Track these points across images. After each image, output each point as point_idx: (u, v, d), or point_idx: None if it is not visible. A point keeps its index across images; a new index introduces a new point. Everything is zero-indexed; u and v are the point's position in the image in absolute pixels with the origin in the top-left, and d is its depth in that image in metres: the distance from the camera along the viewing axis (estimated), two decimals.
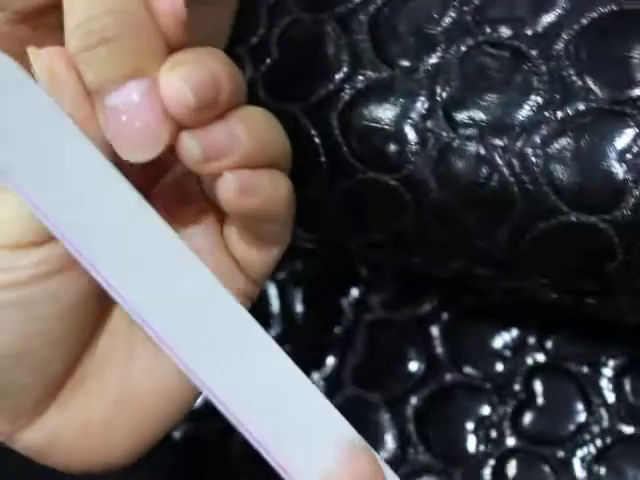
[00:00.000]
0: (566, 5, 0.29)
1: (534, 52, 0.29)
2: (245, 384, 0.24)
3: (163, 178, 0.28)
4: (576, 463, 0.36)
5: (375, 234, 0.33)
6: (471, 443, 0.37)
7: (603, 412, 0.36)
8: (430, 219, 0.31)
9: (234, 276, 0.28)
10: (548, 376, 0.37)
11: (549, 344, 0.38)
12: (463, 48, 0.30)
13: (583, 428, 0.36)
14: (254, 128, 0.25)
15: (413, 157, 0.30)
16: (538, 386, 0.37)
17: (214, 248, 0.28)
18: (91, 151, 0.24)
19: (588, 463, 0.36)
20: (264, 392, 0.24)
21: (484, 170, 0.29)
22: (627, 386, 0.37)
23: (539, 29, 0.29)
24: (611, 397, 0.37)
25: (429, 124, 0.30)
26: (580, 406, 0.37)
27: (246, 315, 0.24)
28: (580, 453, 0.36)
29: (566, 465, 0.36)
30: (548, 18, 0.29)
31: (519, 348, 0.38)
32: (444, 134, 0.29)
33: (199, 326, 0.24)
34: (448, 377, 0.38)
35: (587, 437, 0.36)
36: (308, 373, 0.39)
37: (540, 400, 0.37)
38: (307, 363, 0.39)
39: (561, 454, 0.36)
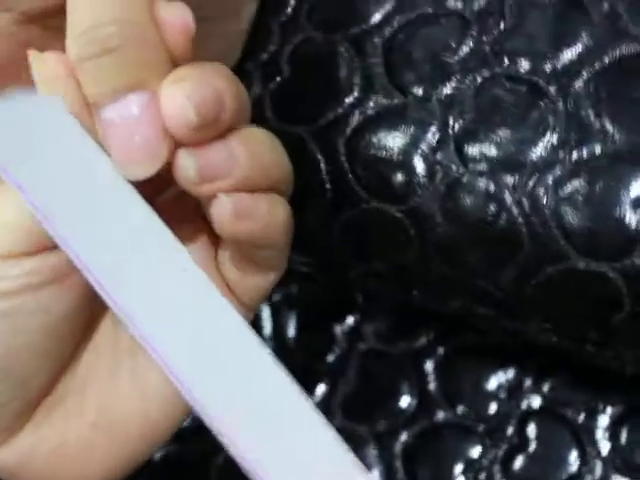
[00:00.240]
0: (588, 42, 0.29)
1: (552, 89, 0.29)
2: (239, 399, 0.23)
3: (160, 194, 0.27)
4: None
5: (376, 265, 0.32)
6: None
7: (597, 463, 0.36)
8: (434, 254, 0.30)
9: None
10: (543, 421, 0.37)
11: (546, 387, 0.37)
12: (479, 79, 0.29)
13: (576, 478, 0.36)
14: (255, 150, 0.25)
15: (420, 189, 0.29)
16: (532, 431, 0.37)
17: (206, 271, 0.27)
18: (96, 154, 0.24)
19: None
20: (258, 409, 0.23)
21: (492, 208, 0.28)
22: (623, 436, 0.36)
23: (559, 65, 0.29)
24: (606, 447, 0.36)
25: (439, 156, 0.29)
26: (574, 455, 0.36)
27: (248, 331, 0.23)
28: None
29: None
30: (569, 54, 0.29)
31: (515, 390, 0.37)
32: (454, 168, 0.29)
33: (194, 334, 0.23)
34: (440, 415, 0.38)
35: None
36: None
37: (533, 446, 0.36)
38: None
39: None
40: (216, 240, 0.27)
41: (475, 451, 0.37)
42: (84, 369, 0.27)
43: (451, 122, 0.29)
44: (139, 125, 0.23)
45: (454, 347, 0.38)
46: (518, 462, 0.36)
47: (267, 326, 0.40)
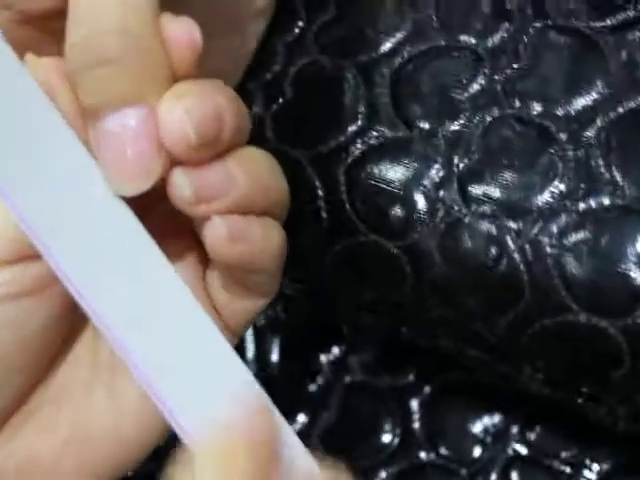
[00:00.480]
0: (603, 90, 0.28)
1: (563, 135, 0.28)
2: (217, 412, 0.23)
3: (151, 209, 0.26)
4: None
5: (367, 298, 0.31)
6: None
7: None
8: (429, 293, 0.29)
9: None
10: (527, 470, 0.36)
11: (532, 436, 0.37)
12: (488, 119, 0.29)
13: None
14: (253, 172, 0.24)
15: (420, 226, 0.29)
16: (515, 478, 0.36)
17: (193, 290, 0.26)
18: (79, 155, 0.23)
19: None
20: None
21: (494, 252, 0.28)
22: None
23: (572, 111, 0.28)
24: None
25: (441, 194, 0.29)
26: None
27: (231, 351, 0.23)
28: None
29: None
30: (583, 101, 0.28)
31: (500, 435, 0.37)
32: (456, 207, 0.28)
33: (174, 349, 0.23)
34: (422, 455, 0.37)
35: None
36: None
37: None
38: None
39: None
40: (205, 259, 0.26)
41: None
42: (61, 380, 0.26)
43: (456, 160, 0.29)
44: (134, 140, 0.22)
45: (441, 386, 0.38)
46: None
47: (250, 348, 0.39)
